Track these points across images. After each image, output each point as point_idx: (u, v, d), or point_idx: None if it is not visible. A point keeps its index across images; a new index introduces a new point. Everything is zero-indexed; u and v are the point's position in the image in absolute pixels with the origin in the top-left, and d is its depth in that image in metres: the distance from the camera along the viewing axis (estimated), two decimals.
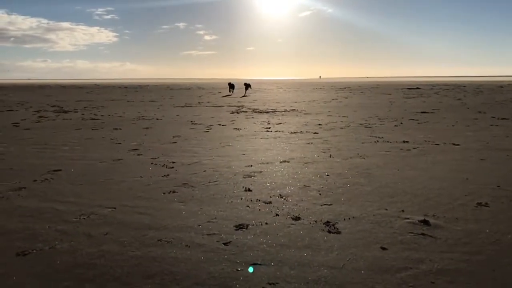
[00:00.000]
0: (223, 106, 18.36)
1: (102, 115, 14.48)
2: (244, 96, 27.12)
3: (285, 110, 15.81)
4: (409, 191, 4.73)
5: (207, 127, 10.93)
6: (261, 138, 8.81)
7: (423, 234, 3.50)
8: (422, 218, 3.84)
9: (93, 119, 13.30)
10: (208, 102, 21.62)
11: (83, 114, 14.95)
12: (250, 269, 2.86)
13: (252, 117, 13.35)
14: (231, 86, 31.57)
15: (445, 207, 4.16)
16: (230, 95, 28.97)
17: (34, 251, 3.24)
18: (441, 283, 2.69)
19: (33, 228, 3.70)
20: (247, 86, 31.41)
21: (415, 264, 2.94)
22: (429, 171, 5.63)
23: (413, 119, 12.15)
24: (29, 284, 2.75)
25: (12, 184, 5.20)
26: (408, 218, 3.86)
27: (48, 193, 4.80)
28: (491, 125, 10.68)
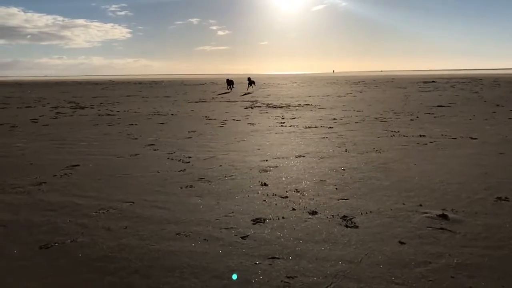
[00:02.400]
0: (237, 101, 18.38)
1: (118, 111, 14.63)
2: (246, 93, 24.44)
3: (299, 105, 15.76)
4: (427, 185, 4.69)
5: (222, 122, 10.96)
6: (276, 133, 8.81)
7: (441, 228, 3.47)
8: (440, 212, 3.81)
9: (109, 115, 13.45)
10: (222, 97, 21.68)
11: (99, 110, 15.13)
12: (234, 276, 2.80)
13: (266, 112, 13.34)
14: (230, 82, 28.63)
15: (464, 201, 4.12)
16: (228, 92, 26.33)
17: (56, 244, 3.31)
18: (461, 277, 2.67)
19: (55, 222, 3.77)
20: (251, 81, 28.18)
21: (434, 259, 2.93)
22: (446, 165, 5.57)
23: (429, 113, 12.01)
24: (52, 276, 2.81)
25: (33, 179, 5.30)
26: (426, 213, 3.83)
27: (67, 187, 4.89)
28: (510, 118, 10.50)
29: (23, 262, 3.01)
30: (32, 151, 7.19)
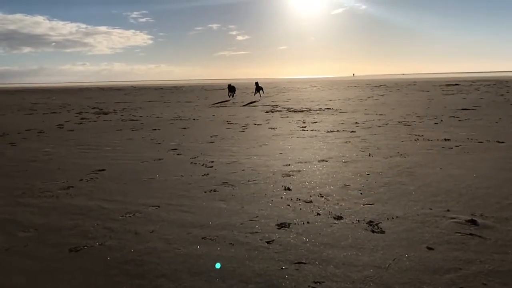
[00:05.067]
0: (257, 106, 18.43)
1: (140, 116, 14.85)
2: (254, 101, 21.75)
3: (320, 109, 15.69)
4: (454, 190, 4.60)
5: (243, 126, 11.01)
6: (297, 137, 8.79)
7: (471, 234, 3.40)
8: (469, 218, 3.73)
9: (132, 120, 13.66)
10: (242, 102, 21.75)
11: (122, 116, 15.38)
12: (217, 265, 2.90)
13: (287, 116, 13.33)
14: (231, 89, 25.63)
15: (494, 206, 4.03)
16: (229, 100, 23.74)
17: (85, 247, 3.38)
18: (494, 285, 2.61)
19: (83, 226, 3.85)
20: (259, 88, 24.79)
21: (464, 265, 2.86)
22: (474, 170, 5.46)
23: (454, 116, 11.79)
24: (82, 279, 2.87)
25: (61, 183, 5.42)
26: (454, 218, 3.76)
27: (94, 192, 4.98)
28: None
29: (54, 265, 3.08)
30: (59, 156, 7.36)
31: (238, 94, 30.18)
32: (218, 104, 20.12)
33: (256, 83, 25.38)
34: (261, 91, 25.28)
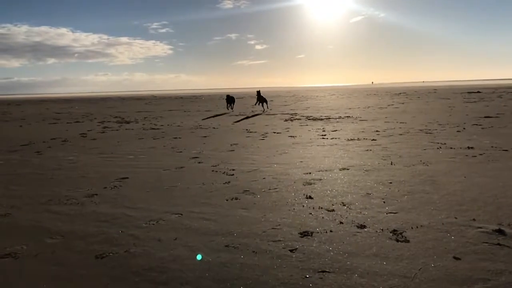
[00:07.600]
0: (276, 114, 18.46)
1: (161, 125, 15.03)
2: (258, 114, 19.27)
3: (340, 117, 15.62)
4: (479, 199, 4.51)
5: (263, 135, 11.03)
6: (318, 146, 8.76)
7: (499, 244, 3.33)
8: (496, 227, 3.65)
9: (153, 129, 13.84)
10: (261, 110, 21.79)
11: (143, 124, 15.60)
12: (199, 257, 3.11)
13: (307, 125, 13.31)
14: (230, 100, 22.53)
15: None
16: (228, 112, 21.22)
17: (111, 254, 3.43)
18: None
19: (108, 233, 3.91)
20: (262, 99, 21.35)
21: (493, 276, 2.80)
22: (499, 178, 5.34)
23: (476, 124, 11.58)
24: (109, 285, 2.91)
25: (85, 191, 5.53)
26: (480, 227, 3.68)
27: (118, 199, 5.06)
28: None
29: (81, 271, 3.14)
30: (82, 164, 7.50)
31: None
32: (237, 113, 20.22)
33: (258, 92, 21.67)
34: (265, 104, 21.79)
